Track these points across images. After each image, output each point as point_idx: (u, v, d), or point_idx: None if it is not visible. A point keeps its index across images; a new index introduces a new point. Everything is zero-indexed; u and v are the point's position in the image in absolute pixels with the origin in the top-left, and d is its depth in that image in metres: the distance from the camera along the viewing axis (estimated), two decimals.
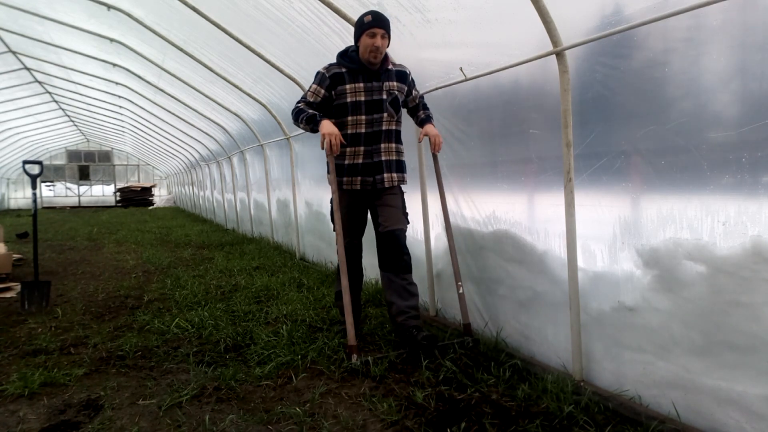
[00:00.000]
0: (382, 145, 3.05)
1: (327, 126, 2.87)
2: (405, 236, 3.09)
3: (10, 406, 2.41)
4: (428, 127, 3.11)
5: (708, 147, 1.86)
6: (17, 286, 5.04)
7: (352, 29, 3.57)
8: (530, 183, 2.75)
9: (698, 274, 1.89)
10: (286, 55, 4.78)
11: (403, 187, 3.22)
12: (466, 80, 3.00)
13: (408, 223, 3.15)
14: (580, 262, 2.38)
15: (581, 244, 2.37)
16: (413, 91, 3.23)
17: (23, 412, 2.34)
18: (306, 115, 2.97)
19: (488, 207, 3.06)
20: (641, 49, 2.08)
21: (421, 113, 3.25)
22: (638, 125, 2.10)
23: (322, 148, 2.89)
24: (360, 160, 3.04)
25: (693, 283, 1.91)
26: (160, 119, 11.38)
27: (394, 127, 3.10)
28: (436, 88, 3.30)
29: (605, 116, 2.25)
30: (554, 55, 2.35)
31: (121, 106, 12.30)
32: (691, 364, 1.94)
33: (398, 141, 3.15)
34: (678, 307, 1.97)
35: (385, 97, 3.01)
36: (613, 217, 2.22)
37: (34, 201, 4.54)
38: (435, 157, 3.21)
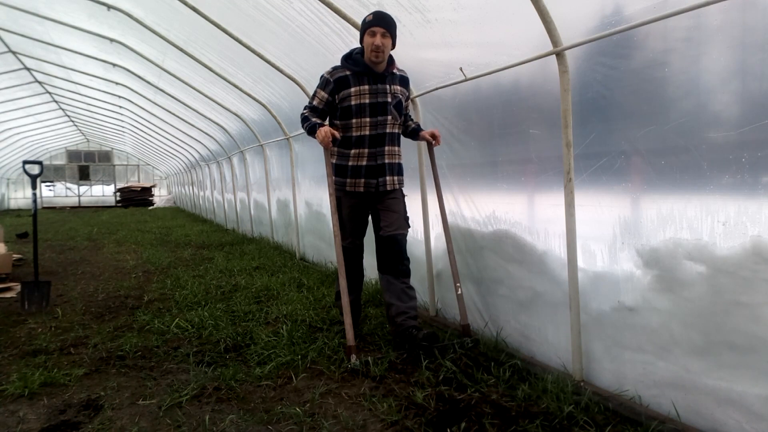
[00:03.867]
0: (386, 148, 3.06)
1: (319, 131, 2.91)
2: (405, 241, 3.10)
3: (10, 406, 2.41)
4: (426, 132, 3.20)
5: (708, 147, 1.86)
6: (17, 286, 5.04)
7: (351, 29, 3.58)
8: (530, 183, 2.75)
9: (698, 274, 1.89)
10: (286, 55, 4.78)
11: (404, 190, 3.23)
12: (466, 80, 2.99)
13: (409, 227, 3.17)
14: (580, 262, 2.38)
15: (581, 244, 2.37)
16: (409, 98, 3.25)
17: (23, 412, 2.34)
18: (309, 125, 3.02)
19: (488, 207, 3.06)
20: (641, 49, 2.08)
21: (410, 123, 3.30)
22: (638, 125, 2.10)
23: (323, 146, 2.96)
24: (364, 162, 3.04)
25: (693, 283, 1.91)
26: (160, 119, 11.38)
27: (396, 130, 3.12)
28: (436, 88, 3.30)
29: (605, 116, 2.25)
30: (554, 55, 2.35)
31: (121, 106, 12.29)
32: (691, 364, 1.94)
33: (399, 144, 3.17)
34: (678, 307, 1.97)
35: (389, 100, 3.01)
36: (613, 217, 2.22)
37: (34, 201, 4.54)
38: (432, 152, 3.25)
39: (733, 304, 1.79)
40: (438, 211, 3.53)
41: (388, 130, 3.05)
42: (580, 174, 2.35)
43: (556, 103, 2.40)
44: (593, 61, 2.27)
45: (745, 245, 1.74)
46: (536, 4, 2.27)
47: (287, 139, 6.32)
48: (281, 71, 5.02)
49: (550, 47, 2.36)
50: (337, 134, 2.93)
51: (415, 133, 3.27)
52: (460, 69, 2.99)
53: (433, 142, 3.17)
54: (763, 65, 1.69)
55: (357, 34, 3.55)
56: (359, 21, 3.45)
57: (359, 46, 3.04)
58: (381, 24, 2.86)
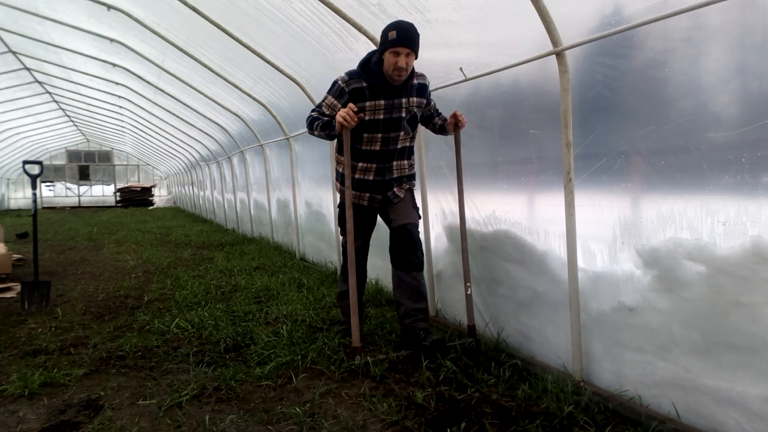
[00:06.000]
0: (395, 163, 2.98)
1: (338, 115, 2.70)
2: (417, 231, 3.00)
3: (10, 406, 2.41)
4: (449, 121, 2.97)
5: (708, 147, 1.86)
6: (17, 286, 5.04)
7: (352, 29, 3.58)
8: (530, 183, 2.75)
9: (698, 274, 1.89)
10: (286, 55, 4.78)
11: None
12: (466, 80, 2.99)
13: (419, 217, 3.09)
14: (580, 262, 2.38)
15: (581, 244, 2.37)
16: (431, 103, 3.12)
17: (23, 412, 2.34)
18: (321, 122, 2.84)
19: (488, 207, 3.06)
20: (641, 49, 2.08)
21: (437, 120, 3.12)
22: (638, 125, 2.10)
23: (339, 131, 2.74)
24: (371, 177, 2.97)
25: (693, 283, 1.91)
26: (160, 119, 11.38)
27: (408, 144, 3.01)
28: (436, 88, 3.30)
29: (605, 116, 2.25)
30: (554, 55, 2.35)
31: (121, 106, 12.30)
32: (691, 364, 1.94)
33: (410, 157, 3.07)
34: (678, 307, 1.97)
35: (404, 115, 2.88)
36: (613, 217, 2.22)
37: (34, 201, 4.54)
38: (458, 139, 3.06)
39: (733, 304, 1.78)
40: (438, 212, 3.53)
41: (399, 146, 2.95)
42: (580, 174, 2.35)
43: (556, 103, 2.40)
44: (593, 61, 2.27)
45: (745, 245, 1.74)
46: (536, 4, 2.27)
47: (287, 139, 6.32)
48: (281, 71, 5.01)
49: (550, 47, 2.36)
50: (355, 107, 2.68)
51: (443, 128, 3.09)
52: (460, 69, 2.99)
53: (459, 124, 2.94)
54: (763, 65, 1.69)
55: (357, 33, 3.55)
56: (359, 21, 3.45)
57: (372, 50, 2.94)
58: (406, 44, 2.65)
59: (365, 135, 2.88)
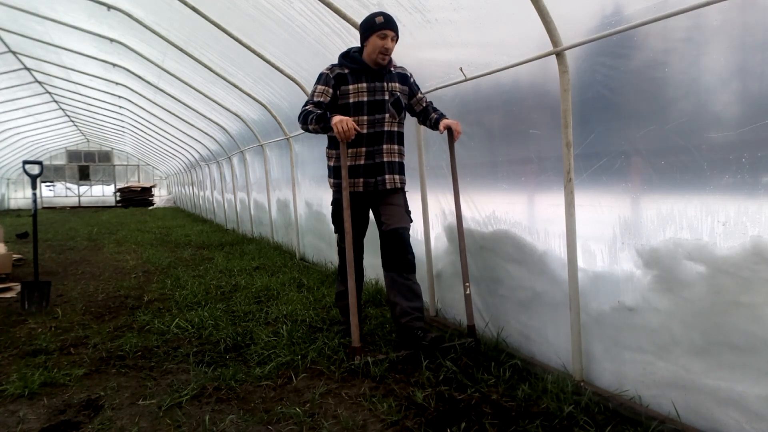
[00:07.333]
0: (384, 146, 3.03)
1: (337, 117, 2.78)
2: (408, 235, 3.06)
3: (10, 406, 2.41)
4: (447, 120, 3.02)
5: (708, 147, 1.86)
6: (17, 286, 5.04)
7: (351, 29, 3.58)
8: (530, 183, 2.75)
9: (698, 274, 1.89)
10: (286, 55, 4.78)
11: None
12: (466, 80, 2.99)
13: (411, 221, 3.12)
14: (580, 262, 2.38)
15: (581, 244, 2.37)
16: (418, 94, 3.17)
17: (23, 412, 2.34)
18: (315, 116, 2.88)
19: (488, 207, 3.06)
20: (641, 49, 2.08)
21: (433, 115, 3.12)
22: (638, 125, 2.10)
23: (340, 139, 2.78)
24: (362, 161, 3.02)
25: (693, 283, 1.91)
26: (160, 119, 11.39)
27: (396, 129, 3.07)
28: (436, 88, 3.30)
29: (605, 116, 2.25)
30: (554, 55, 2.35)
31: (121, 106, 12.30)
32: (691, 364, 1.94)
33: (400, 143, 3.12)
34: (678, 307, 1.97)
35: (387, 97, 2.99)
36: (613, 217, 2.22)
37: (34, 201, 4.54)
38: (452, 144, 3.07)
39: (733, 304, 1.78)
40: (438, 212, 3.53)
41: (386, 129, 3.02)
42: (580, 174, 2.35)
43: (556, 103, 2.40)
44: (593, 61, 2.27)
45: (745, 245, 1.74)
46: (536, 4, 2.27)
47: (287, 139, 6.32)
48: (281, 71, 5.02)
49: (550, 47, 2.36)
50: (354, 125, 2.78)
51: (437, 123, 3.07)
52: (460, 69, 2.99)
53: (453, 136, 3.00)
54: (763, 65, 1.69)
55: (357, 33, 3.55)
56: (359, 21, 3.45)
57: (358, 45, 3.03)
58: (392, 27, 2.87)
59: (352, 118, 2.91)
